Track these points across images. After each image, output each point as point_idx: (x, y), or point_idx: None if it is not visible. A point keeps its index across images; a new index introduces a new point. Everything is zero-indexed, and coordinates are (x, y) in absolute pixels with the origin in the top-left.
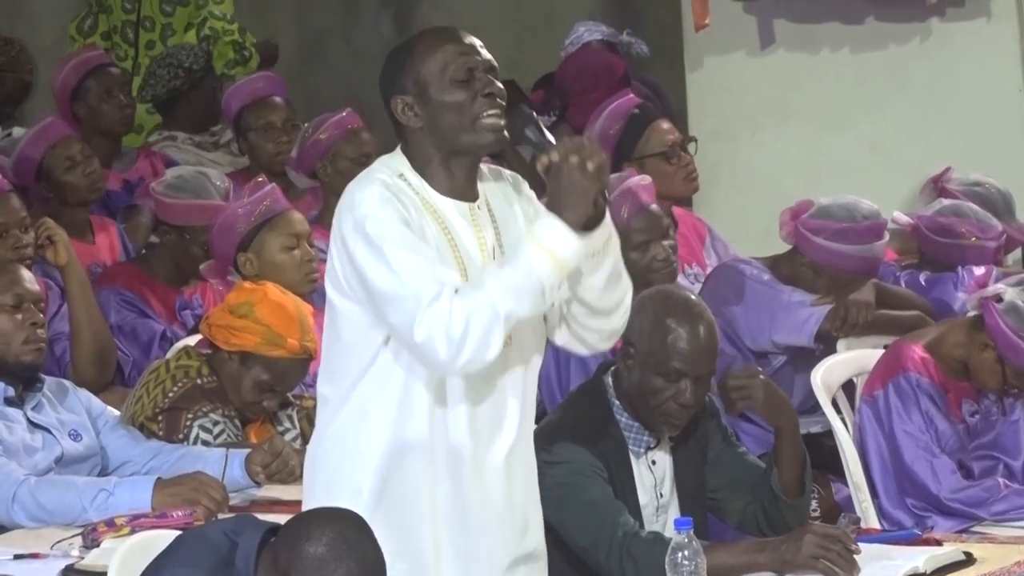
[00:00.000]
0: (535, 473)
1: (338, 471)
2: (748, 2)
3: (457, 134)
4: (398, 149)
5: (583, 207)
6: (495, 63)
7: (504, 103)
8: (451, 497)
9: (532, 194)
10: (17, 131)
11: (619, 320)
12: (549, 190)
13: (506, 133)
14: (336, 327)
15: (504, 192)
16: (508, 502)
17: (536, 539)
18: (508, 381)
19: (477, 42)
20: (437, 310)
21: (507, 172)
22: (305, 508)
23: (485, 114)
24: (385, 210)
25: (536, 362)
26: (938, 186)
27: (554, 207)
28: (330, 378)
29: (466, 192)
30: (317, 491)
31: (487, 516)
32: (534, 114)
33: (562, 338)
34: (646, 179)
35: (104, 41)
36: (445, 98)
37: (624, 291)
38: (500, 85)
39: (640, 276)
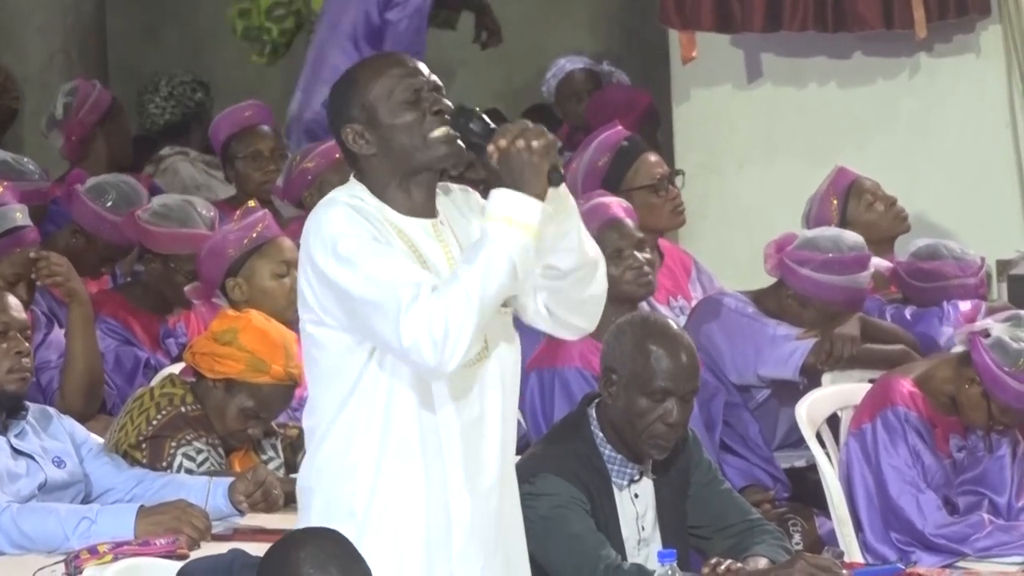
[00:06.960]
0: (518, 501)
1: (331, 496)
2: (735, 35)
3: (411, 154)
4: (352, 179)
5: (537, 185)
6: (440, 82)
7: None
8: (442, 520)
9: (483, 202)
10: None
11: (600, 285)
12: (502, 176)
13: (460, 143)
14: (314, 357)
15: (457, 205)
16: (496, 528)
17: (521, 570)
18: (488, 393)
19: (420, 64)
20: (417, 312)
21: (456, 186)
22: None
23: (435, 130)
24: (352, 226)
25: (515, 373)
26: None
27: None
28: (314, 409)
29: (426, 210)
30: (313, 519)
31: (476, 541)
32: (476, 109)
33: (546, 324)
34: (620, 200)
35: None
36: (395, 120)
37: (597, 253)
38: (448, 102)
39: (614, 289)
